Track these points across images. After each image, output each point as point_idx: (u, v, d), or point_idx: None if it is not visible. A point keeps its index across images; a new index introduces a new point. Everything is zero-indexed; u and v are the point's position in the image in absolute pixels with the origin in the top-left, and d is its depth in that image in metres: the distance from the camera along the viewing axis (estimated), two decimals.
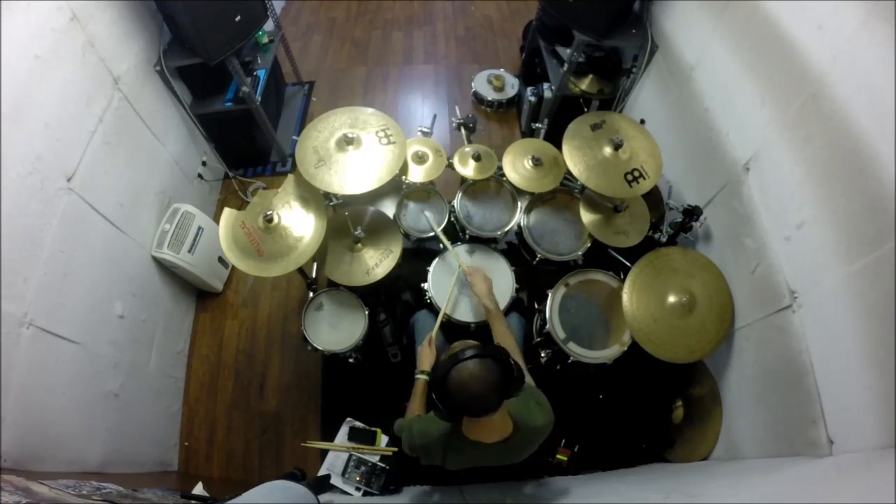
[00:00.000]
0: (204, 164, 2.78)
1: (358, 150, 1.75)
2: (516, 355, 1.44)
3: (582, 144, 1.86)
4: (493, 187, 2.12)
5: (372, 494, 1.99)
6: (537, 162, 2.00)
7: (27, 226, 1.52)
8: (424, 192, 2.10)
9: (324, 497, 1.92)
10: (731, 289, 1.74)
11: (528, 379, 1.41)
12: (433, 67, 3.73)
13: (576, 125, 1.90)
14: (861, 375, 1.17)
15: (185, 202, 2.38)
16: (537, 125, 2.43)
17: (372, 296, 2.06)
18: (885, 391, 1.09)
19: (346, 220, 1.85)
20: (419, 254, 2.06)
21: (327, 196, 1.95)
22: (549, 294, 1.88)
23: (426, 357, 1.61)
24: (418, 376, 1.57)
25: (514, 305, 1.91)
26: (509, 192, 2.09)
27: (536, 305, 2.00)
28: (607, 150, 1.84)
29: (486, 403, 1.09)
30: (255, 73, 2.72)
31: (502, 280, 1.91)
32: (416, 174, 2.00)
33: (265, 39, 2.88)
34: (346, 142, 1.74)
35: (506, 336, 1.56)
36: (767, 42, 1.57)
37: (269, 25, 2.82)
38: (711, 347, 1.69)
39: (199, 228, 2.35)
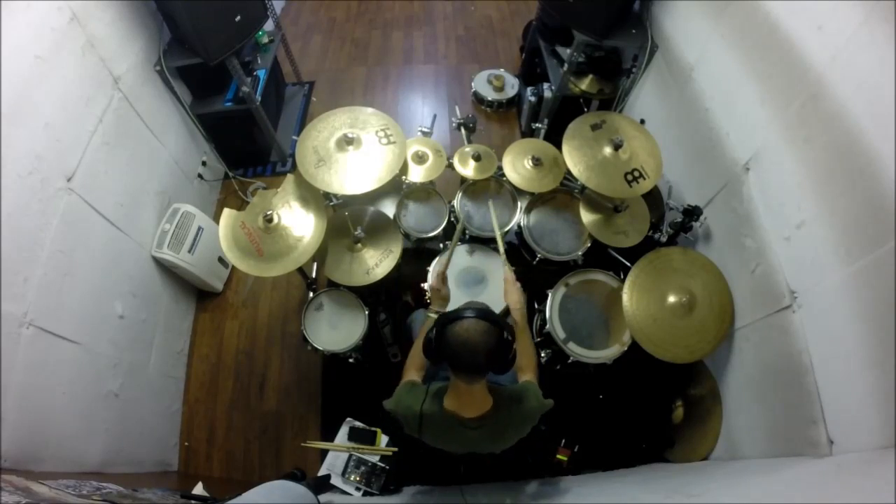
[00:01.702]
0: (204, 164, 2.78)
1: (358, 151, 1.76)
2: (531, 370, 1.42)
3: (582, 144, 1.86)
4: (493, 187, 2.12)
5: (372, 494, 1.99)
6: (537, 162, 2.01)
7: (27, 226, 1.52)
8: (424, 192, 2.10)
9: (324, 497, 1.92)
10: (731, 289, 1.74)
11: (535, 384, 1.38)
12: (433, 67, 3.73)
13: (576, 125, 1.90)
14: (861, 375, 1.17)
15: (185, 202, 2.38)
16: (537, 125, 2.43)
17: (372, 296, 2.06)
18: (885, 391, 1.09)
19: (346, 220, 1.85)
20: (419, 254, 2.06)
21: (327, 196, 1.95)
22: (549, 294, 1.88)
23: (438, 294, 1.55)
24: (429, 315, 1.52)
25: None
26: (509, 192, 2.09)
27: (536, 305, 2.00)
28: (607, 150, 1.84)
29: (474, 362, 1.12)
30: (255, 73, 2.71)
31: (502, 280, 1.91)
32: (416, 174, 2.00)
33: (265, 39, 2.88)
34: (346, 142, 1.74)
35: (528, 349, 1.49)
36: (767, 42, 1.57)
37: (269, 25, 2.82)
38: (711, 347, 1.69)
39: (199, 228, 2.35)
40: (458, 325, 1.11)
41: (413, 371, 1.44)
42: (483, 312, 1.14)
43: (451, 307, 1.81)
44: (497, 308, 1.83)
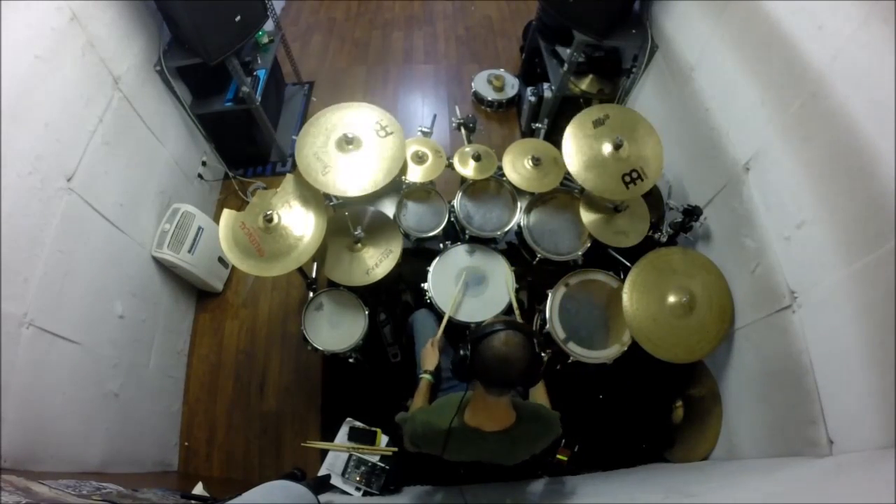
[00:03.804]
0: (204, 164, 2.78)
1: (359, 150, 1.75)
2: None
3: (581, 142, 1.86)
4: (493, 187, 2.12)
5: (372, 494, 1.99)
6: (537, 162, 2.00)
7: (27, 226, 1.52)
8: (424, 192, 2.10)
9: (324, 497, 1.92)
10: (731, 289, 1.74)
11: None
12: (433, 67, 3.73)
13: (579, 119, 1.88)
14: (861, 375, 1.17)
15: (185, 202, 2.38)
16: (537, 125, 2.43)
17: (372, 296, 2.05)
18: (885, 391, 1.09)
19: (346, 220, 1.85)
20: (419, 254, 2.06)
21: (327, 196, 1.95)
22: (549, 294, 1.88)
23: (429, 358, 1.61)
24: (422, 376, 1.58)
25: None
26: (509, 192, 2.09)
27: (536, 305, 1.99)
28: (607, 149, 1.83)
29: (507, 376, 1.12)
30: (255, 73, 2.72)
31: (502, 280, 1.91)
32: (416, 174, 2.00)
33: (265, 39, 2.88)
34: (346, 141, 1.73)
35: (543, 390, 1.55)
36: (767, 42, 1.57)
37: (269, 25, 2.82)
38: (711, 347, 1.69)
39: (199, 228, 2.35)
40: (496, 338, 1.11)
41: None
42: (516, 324, 1.14)
43: (452, 307, 1.83)
44: (499, 308, 1.84)
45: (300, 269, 1.81)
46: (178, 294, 2.43)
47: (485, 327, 1.15)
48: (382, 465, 2.02)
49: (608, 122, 1.87)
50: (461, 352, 1.17)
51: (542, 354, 1.17)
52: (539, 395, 1.51)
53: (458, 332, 1.83)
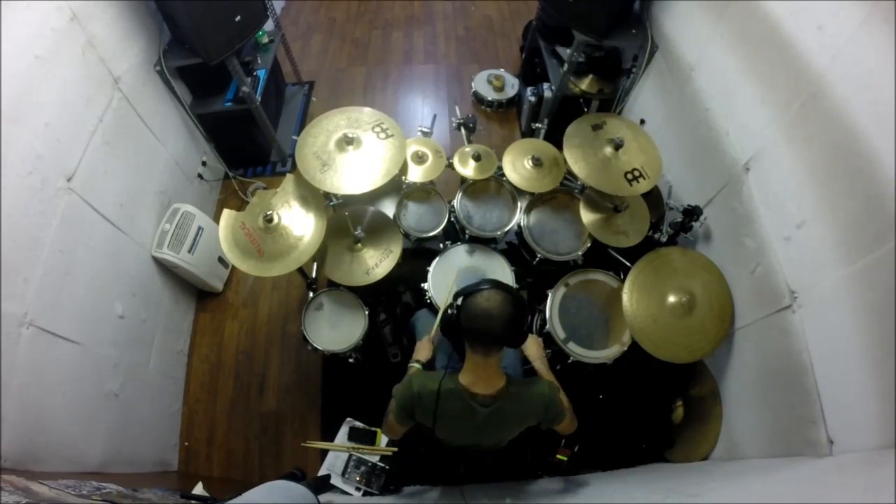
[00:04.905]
0: (204, 164, 2.78)
1: (358, 150, 1.75)
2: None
3: (582, 143, 1.86)
4: (493, 187, 2.12)
5: (372, 494, 1.99)
6: (537, 162, 2.01)
7: (27, 226, 1.52)
8: (424, 192, 2.10)
9: (324, 497, 1.92)
10: (731, 289, 1.74)
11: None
12: (433, 67, 3.73)
13: (577, 125, 1.90)
14: (861, 375, 1.17)
15: (185, 202, 2.38)
16: (537, 125, 2.43)
17: (372, 296, 2.05)
18: (885, 391, 1.09)
19: (346, 220, 1.85)
20: (419, 254, 2.06)
21: (327, 196, 1.95)
22: (549, 294, 1.88)
23: (423, 350, 1.61)
24: (412, 365, 1.57)
25: None
26: (509, 192, 2.09)
27: (536, 305, 2.00)
28: (607, 150, 1.84)
29: (490, 331, 1.18)
30: (255, 73, 2.72)
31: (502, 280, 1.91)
32: (416, 174, 2.00)
33: (265, 39, 2.88)
34: (346, 142, 1.74)
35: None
36: (767, 42, 1.57)
37: (269, 25, 2.82)
38: (711, 347, 1.69)
39: (199, 228, 2.35)
40: (480, 295, 1.19)
41: None
42: (499, 283, 1.23)
43: (445, 304, 1.83)
44: None
45: (300, 269, 1.81)
46: (178, 294, 2.43)
47: (471, 286, 1.24)
48: (382, 465, 2.02)
49: (606, 128, 1.89)
50: (449, 311, 1.25)
51: (529, 315, 1.21)
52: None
53: None
